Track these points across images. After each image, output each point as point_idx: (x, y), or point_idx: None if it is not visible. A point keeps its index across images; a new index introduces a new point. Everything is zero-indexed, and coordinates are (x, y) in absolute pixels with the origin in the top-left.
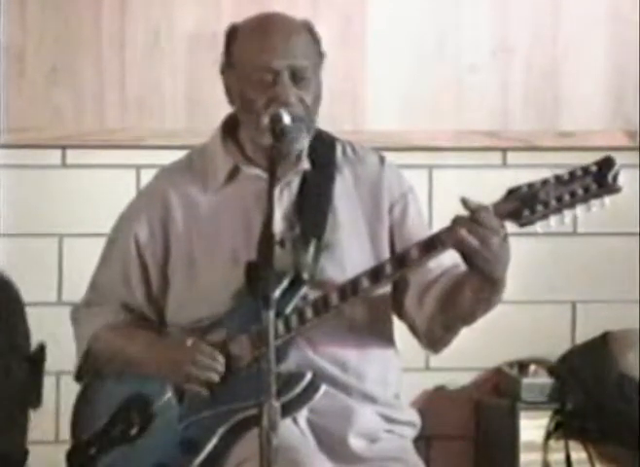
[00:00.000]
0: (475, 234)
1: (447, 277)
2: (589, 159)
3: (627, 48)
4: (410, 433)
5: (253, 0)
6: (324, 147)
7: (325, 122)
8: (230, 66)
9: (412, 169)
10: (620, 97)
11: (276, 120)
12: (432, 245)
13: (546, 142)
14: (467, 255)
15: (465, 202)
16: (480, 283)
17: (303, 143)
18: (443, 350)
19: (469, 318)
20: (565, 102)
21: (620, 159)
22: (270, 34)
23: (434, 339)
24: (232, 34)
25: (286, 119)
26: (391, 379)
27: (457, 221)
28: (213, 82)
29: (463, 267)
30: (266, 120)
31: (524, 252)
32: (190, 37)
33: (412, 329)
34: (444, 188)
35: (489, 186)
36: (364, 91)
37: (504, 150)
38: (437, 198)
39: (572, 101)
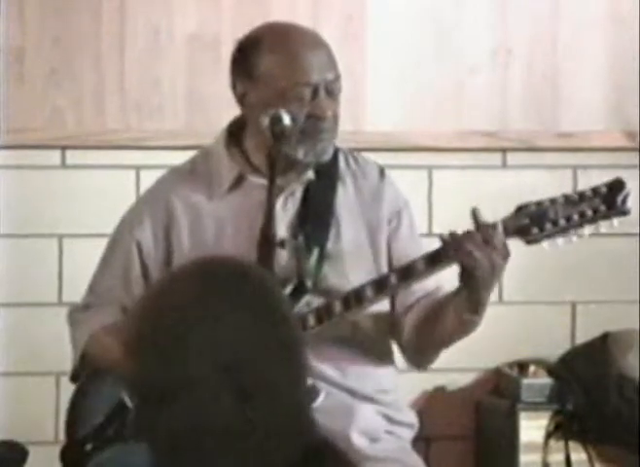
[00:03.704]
0: (484, 254)
1: (428, 301)
2: (589, 159)
3: (627, 48)
4: (409, 434)
5: (253, 0)
6: None
7: None
8: (249, 77)
9: (412, 170)
10: (620, 98)
11: (276, 120)
12: (438, 258)
13: (546, 143)
14: (469, 271)
15: (475, 213)
16: (464, 304)
17: (330, 154)
18: (427, 365)
19: (447, 340)
20: (565, 103)
21: (619, 159)
22: (303, 49)
23: (411, 360)
24: (254, 46)
25: (285, 119)
26: (390, 386)
27: (468, 237)
28: (213, 82)
29: (445, 290)
30: (265, 121)
31: (524, 252)
32: (190, 37)
33: (399, 346)
34: (445, 188)
35: (489, 186)
36: (364, 92)
37: (504, 150)
38: (437, 199)
39: (572, 102)
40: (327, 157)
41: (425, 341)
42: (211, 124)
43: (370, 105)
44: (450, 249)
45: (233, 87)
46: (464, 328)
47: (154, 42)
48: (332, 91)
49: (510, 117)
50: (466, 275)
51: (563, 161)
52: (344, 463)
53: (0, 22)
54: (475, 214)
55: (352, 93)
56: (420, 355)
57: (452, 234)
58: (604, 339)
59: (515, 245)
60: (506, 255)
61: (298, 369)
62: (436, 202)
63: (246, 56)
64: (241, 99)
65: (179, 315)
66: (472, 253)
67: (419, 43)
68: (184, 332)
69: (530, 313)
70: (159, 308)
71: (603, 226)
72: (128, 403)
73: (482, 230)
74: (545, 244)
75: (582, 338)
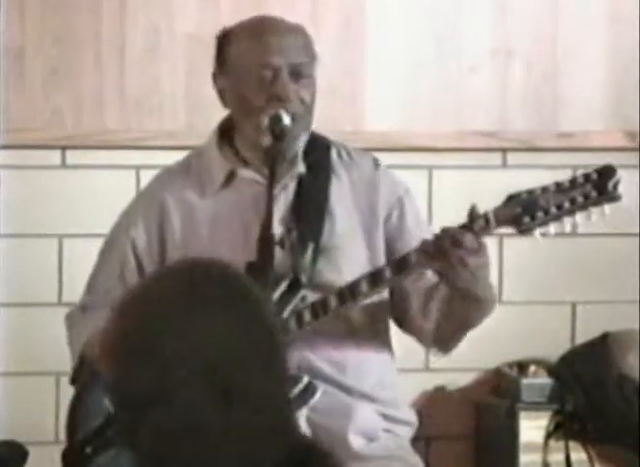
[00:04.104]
0: (455, 258)
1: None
2: (589, 159)
3: (627, 48)
4: (407, 432)
5: (252, 0)
6: (319, 150)
7: (325, 122)
8: (224, 70)
9: (412, 170)
10: (620, 98)
11: (276, 120)
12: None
13: (546, 143)
14: (444, 276)
15: (472, 210)
16: (463, 298)
17: (302, 141)
18: (453, 350)
19: (469, 323)
20: (565, 103)
21: (619, 159)
22: (267, 33)
23: (443, 341)
24: (225, 39)
25: (286, 119)
26: (389, 382)
27: (437, 242)
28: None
29: None
30: (265, 120)
31: (524, 252)
32: (189, 37)
33: (419, 336)
34: (445, 188)
35: (489, 186)
36: (364, 92)
37: (504, 150)
38: (437, 199)
39: (572, 102)
40: (298, 143)
41: (450, 324)
42: (211, 124)
43: (369, 105)
44: (424, 257)
45: (214, 84)
46: (474, 315)
47: (154, 42)
48: (298, 74)
49: (510, 117)
50: (443, 279)
51: (563, 161)
52: (330, 465)
53: (0, 22)
54: (471, 211)
55: (352, 93)
56: (447, 338)
57: (424, 242)
58: (604, 339)
59: (515, 245)
60: (479, 251)
61: (279, 371)
62: (436, 202)
63: (219, 51)
64: (222, 95)
65: (159, 319)
66: (442, 260)
67: (419, 43)
68: (164, 335)
69: (530, 313)
70: (137, 313)
71: (595, 213)
72: (110, 408)
73: (452, 232)
74: (537, 233)
75: (582, 338)
